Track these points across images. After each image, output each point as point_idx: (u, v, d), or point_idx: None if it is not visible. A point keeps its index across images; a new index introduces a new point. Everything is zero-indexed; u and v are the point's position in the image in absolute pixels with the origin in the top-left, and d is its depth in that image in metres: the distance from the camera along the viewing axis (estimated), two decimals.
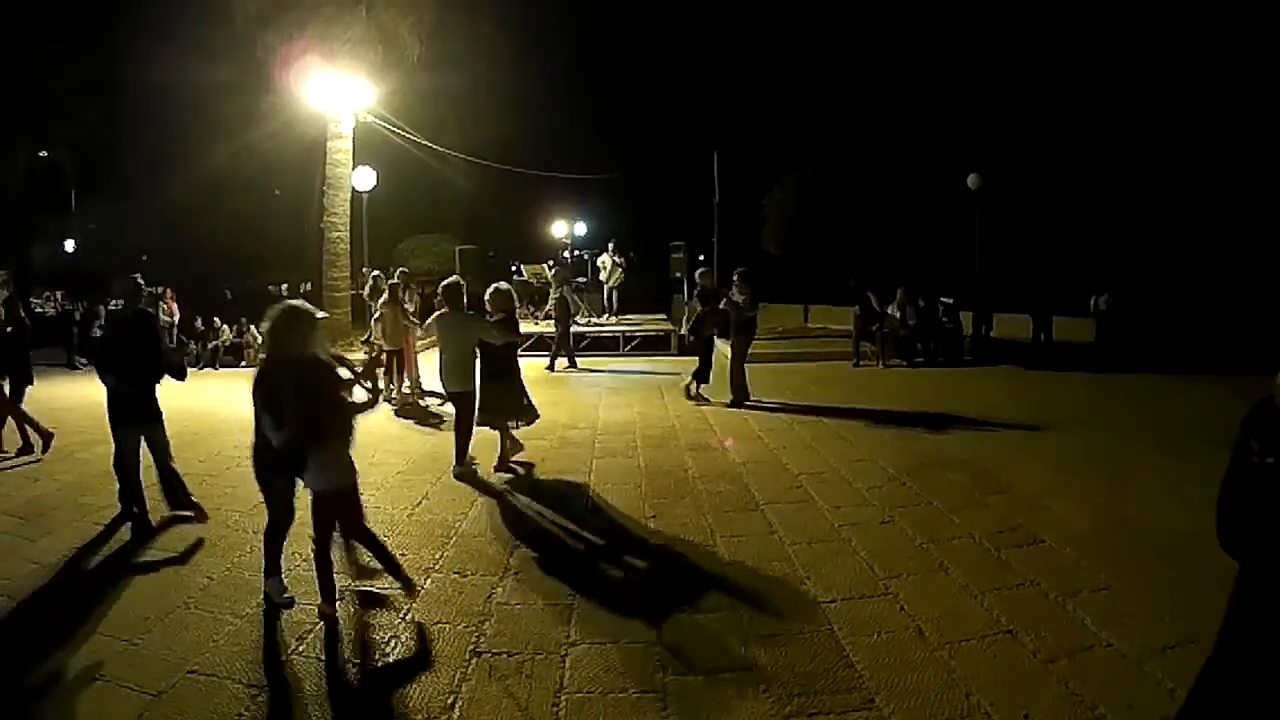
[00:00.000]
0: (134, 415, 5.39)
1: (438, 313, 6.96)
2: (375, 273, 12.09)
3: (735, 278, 10.24)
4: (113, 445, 5.46)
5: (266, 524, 4.27)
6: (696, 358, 10.45)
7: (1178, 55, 21.80)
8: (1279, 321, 14.46)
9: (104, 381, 5.38)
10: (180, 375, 5.82)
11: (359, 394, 4.20)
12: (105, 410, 5.44)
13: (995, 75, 25.19)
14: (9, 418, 7.62)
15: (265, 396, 3.97)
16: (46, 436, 7.65)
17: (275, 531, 4.26)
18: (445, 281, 6.97)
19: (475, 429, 6.86)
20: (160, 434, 5.52)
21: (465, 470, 6.74)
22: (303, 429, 3.78)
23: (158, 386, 5.48)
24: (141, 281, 5.84)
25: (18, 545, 5.18)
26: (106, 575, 4.67)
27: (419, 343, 11.27)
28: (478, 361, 6.84)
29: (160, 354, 5.68)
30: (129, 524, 5.42)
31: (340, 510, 4.01)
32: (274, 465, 4.06)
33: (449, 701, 3.27)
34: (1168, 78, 22.10)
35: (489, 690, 3.35)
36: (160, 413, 5.52)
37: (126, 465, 5.46)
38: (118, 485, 5.57)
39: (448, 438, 8.28)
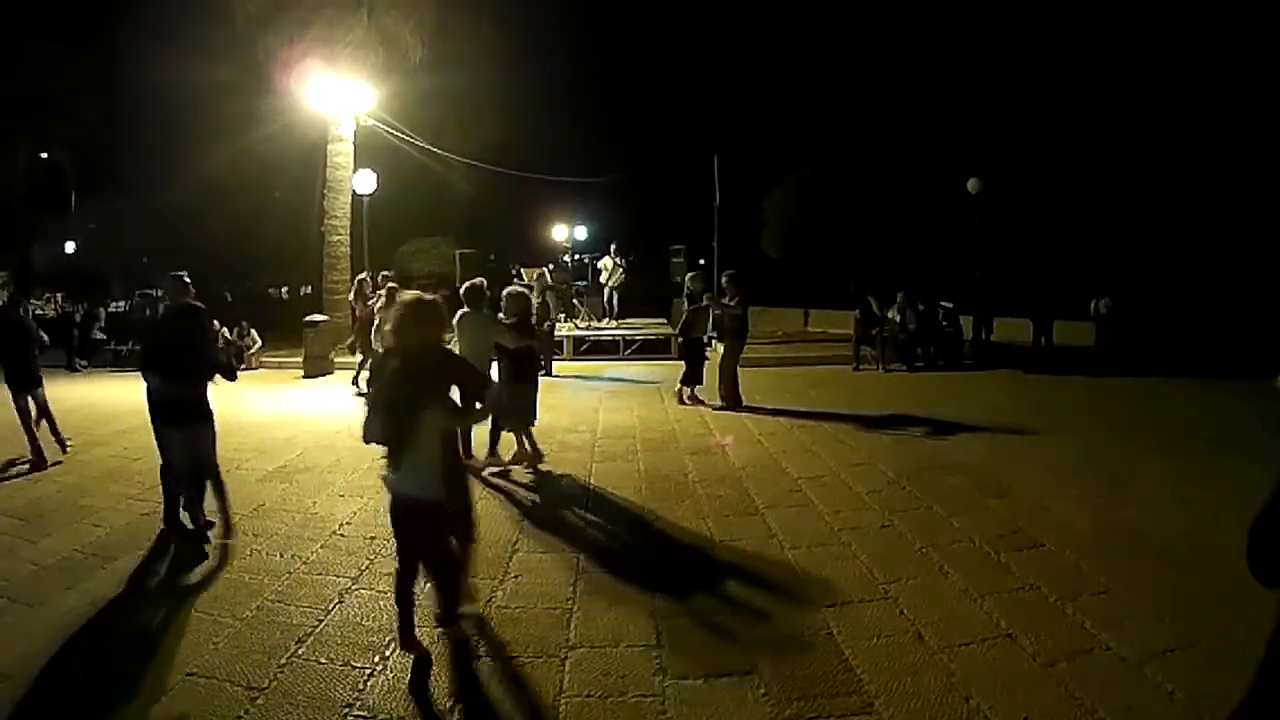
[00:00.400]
0: (179, 416, 5.14)
1: (461, 311, 7.01)
2: (361, 276, 12.09)
3: (723, 280, 10.31)
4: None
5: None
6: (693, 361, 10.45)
7: (1177, 58, 21.82)
8: (1277, 325, 14.46)
9: (147, 381, 5.14)
10: (230, 375, 5.56)
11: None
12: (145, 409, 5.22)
13: (995, 79, 25.21)
14: (21, 421, 7.34)
15: (378, 389, 3.77)
16: (39, 461, 7.27)
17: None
18: (468, 282, 7.05)
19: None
20: (207, 436, 5.25)
21: (489, 462, 6.93)
22: (395, 421, 3.44)
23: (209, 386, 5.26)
24: (187, 279, 5.69)
25: (17, 547, 5.18)
26: (105, 578, 4.66)
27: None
28: (495, 364, 6.97)
29: (210, 351, 5.48)
30: (164, 532, 5.37)
31: (417, 524, 3.55)
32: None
33: (449, 705, 3.27)
34: (1167, 81, 22.12)
35: (489, 694, 3.35)
36: (211, 413, 5.26)
37: (171, 468, 5.26)
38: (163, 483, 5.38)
39: None
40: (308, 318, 14.82)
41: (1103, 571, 4.48)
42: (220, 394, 5.43)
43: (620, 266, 18.14)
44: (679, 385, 10.46)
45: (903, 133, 26.19)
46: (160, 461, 5.36)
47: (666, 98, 33.14)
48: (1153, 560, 4.69)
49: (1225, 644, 3.45)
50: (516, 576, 4.58)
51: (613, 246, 18.45)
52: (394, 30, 16.48)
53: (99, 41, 23.77)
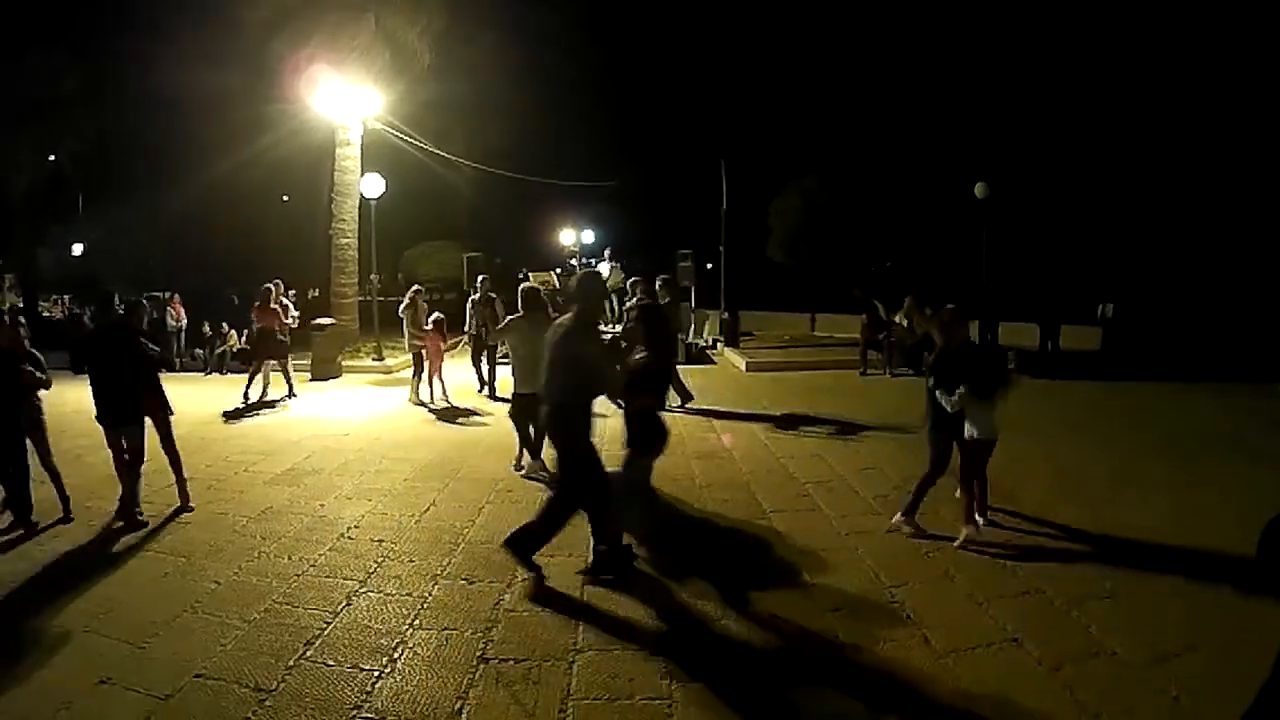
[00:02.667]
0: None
1: (514, 317, 7.01)
2: (266, 286, 12.01)
3: (657, 285, 10.45)
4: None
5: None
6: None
7: (1183, 63, 21.77)
8: None
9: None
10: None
11: None
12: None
13: (1001, 84, 25.18)
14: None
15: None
16: (129, 520, 5.72)
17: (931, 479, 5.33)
18: (524, 286, 7.12)
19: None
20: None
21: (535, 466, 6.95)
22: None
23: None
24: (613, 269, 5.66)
25: (24, 549, 5.22)
26: (113, 580, 4.69)
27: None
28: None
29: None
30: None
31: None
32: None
33: (456, 707, 3.29)
34: (1173, 86, 22.06)
35: (496, 696, 3.37)
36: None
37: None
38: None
39: (454, 445, 8.33)
40: (315, 321, 14.84)
41: (1108, 576, 4.48)
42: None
43: (620, 269, 18.21)
44: None
45: (909, 137, 26.17)
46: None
47: (674, 103, 33.20)
48: (1158, 565, 4.68)
49: (1229, 648, 3.45)
50: (524, 580, 4.58)
51: (607, 251, 18.61)
52: (400, 35, 16.53)
53: (105, 47, 23.86)
